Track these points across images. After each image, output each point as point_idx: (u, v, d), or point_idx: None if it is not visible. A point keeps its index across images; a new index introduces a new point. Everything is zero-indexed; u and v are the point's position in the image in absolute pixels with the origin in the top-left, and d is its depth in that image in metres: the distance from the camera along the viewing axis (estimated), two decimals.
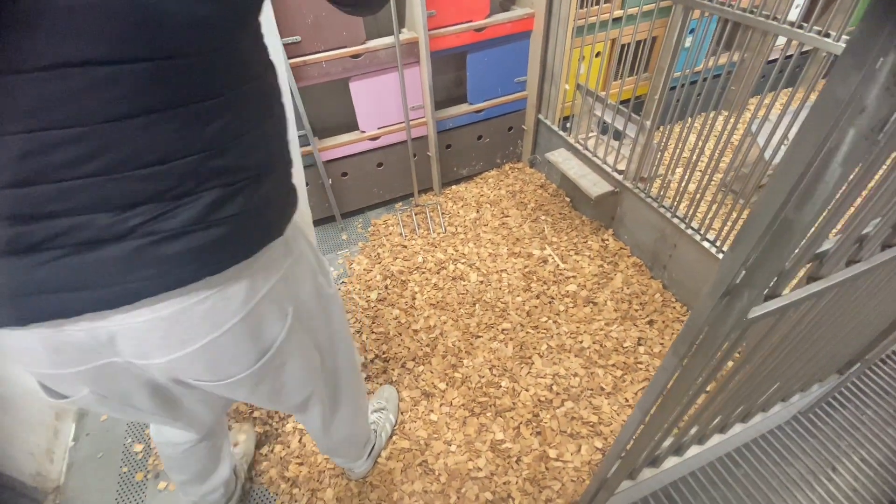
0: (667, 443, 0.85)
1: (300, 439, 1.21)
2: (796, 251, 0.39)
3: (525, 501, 1.05)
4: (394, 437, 1.20)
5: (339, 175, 1.78)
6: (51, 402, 0.80)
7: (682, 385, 0.52)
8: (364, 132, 1.69)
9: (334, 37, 1.43)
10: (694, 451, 0.89)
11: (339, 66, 1.49)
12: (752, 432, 1.15)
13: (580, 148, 1.68)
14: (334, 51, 1.45)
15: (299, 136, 1.59)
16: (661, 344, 1.37)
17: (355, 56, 1.48)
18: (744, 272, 0.38)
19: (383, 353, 1.39)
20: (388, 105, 1.66)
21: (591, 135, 1.68)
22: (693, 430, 0.85)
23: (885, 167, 0.46)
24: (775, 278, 0.43)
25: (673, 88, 1.28)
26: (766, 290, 0.42)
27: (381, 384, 1.31)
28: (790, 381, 0.87)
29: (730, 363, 0.64)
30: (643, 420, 0.61)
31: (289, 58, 1.39)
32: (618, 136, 1.57)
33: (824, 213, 0.34)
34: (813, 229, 0.38)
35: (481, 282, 1.60)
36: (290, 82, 1.43)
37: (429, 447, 1.18)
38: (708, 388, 0.67)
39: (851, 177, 0.39)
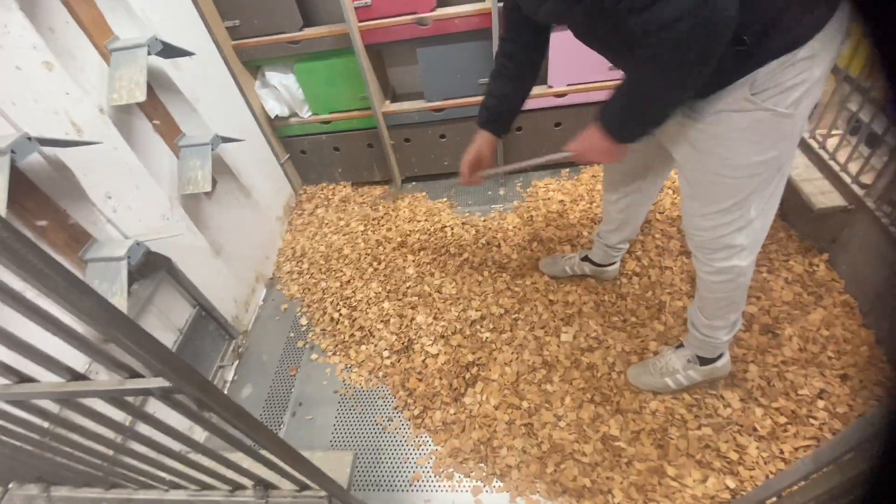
0: None
1: (423, 360, 1.32)
2: None
3: (626, 503, 0.99)
4: (504, 392, 1.22)
5: (515, 129, 1.77)
6: None
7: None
8: (551, 87, 1.63)
9: None
10: None
11: None
12: None
13: (815, 145, 1.35)
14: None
15: None
16: (850, 406, 1.08)
17: None
18: None
19: (515, 310, 1.40)
20: (585, 63, 1.56)
21: (834, 132, 1.33)
22: None
23: None
24: None
25: None
26: None
27: (509, 334, 1.33)
28: None
29: None
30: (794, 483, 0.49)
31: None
32: (872, 141, 1.21)
33: None
34: None
35: (637, 274, 1.46)
36: None
37: (537, 413, 1.17)
38: None
39: None
